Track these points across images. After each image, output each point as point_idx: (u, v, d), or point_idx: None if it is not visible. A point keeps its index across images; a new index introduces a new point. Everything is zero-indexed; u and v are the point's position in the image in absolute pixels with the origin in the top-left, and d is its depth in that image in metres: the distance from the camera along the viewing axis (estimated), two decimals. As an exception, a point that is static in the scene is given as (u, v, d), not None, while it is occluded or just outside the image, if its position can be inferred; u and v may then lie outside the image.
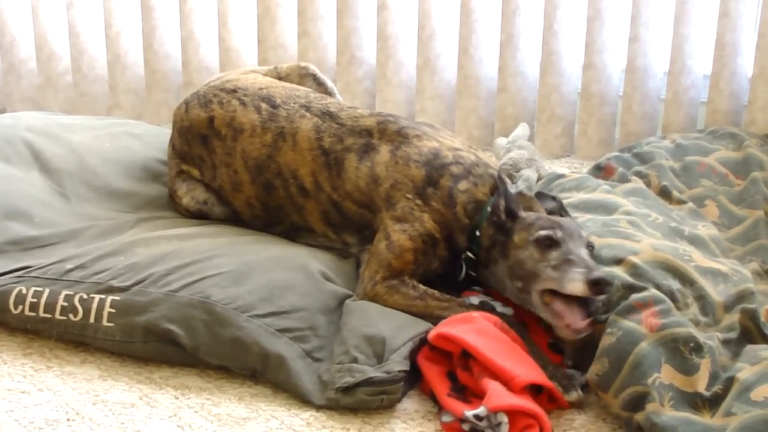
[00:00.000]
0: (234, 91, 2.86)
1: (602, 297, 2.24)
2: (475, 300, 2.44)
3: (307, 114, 2.72)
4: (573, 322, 2.22)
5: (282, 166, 2.70)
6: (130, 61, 4.15)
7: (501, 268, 2.41)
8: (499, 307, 2.43)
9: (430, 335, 2.25)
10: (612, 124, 3.73)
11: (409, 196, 2.53)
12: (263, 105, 2.78)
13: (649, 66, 3.60)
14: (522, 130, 3.57)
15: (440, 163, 2.56)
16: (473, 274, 2.51)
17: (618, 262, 2.36)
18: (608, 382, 2.11)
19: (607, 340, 2.15)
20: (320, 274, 2.47)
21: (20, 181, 2.89)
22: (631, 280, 2.28)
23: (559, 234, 2.35)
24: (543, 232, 2.35)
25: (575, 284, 2.23)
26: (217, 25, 4.00)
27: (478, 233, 2.48)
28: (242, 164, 2.76)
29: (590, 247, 2.38)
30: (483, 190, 2.53)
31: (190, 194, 2.89)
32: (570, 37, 3.67)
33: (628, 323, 2.16)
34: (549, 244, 2.34)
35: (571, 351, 2.33)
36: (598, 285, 2.20)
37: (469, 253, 2.50)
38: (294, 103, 2.76)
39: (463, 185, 2.53)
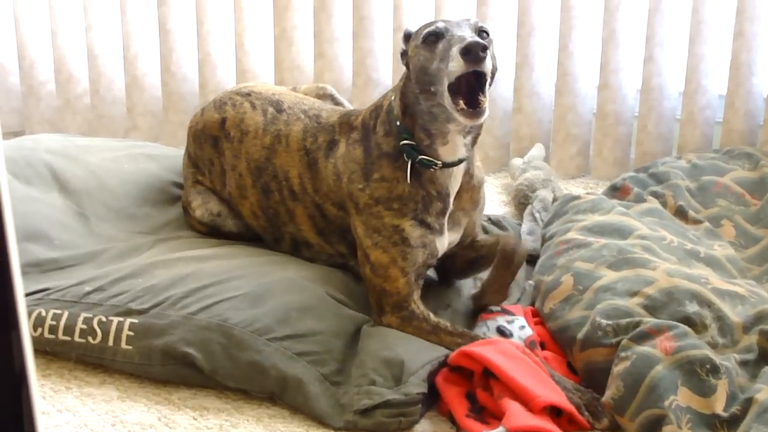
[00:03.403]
0: (248, 94, 2.88)
1: (484, 66, 2.19)
2: (492, 324, 2.44)
3: (302, 116, 2.72)
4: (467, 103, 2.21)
5: (277, 168, 2.70)
6: (147, 83, 4.17)
7: (419, 96, 2.34)
8: (517, 331, 2.42)
9: (453, 354, 2.25)
10: (627, 144, 3.74)
11: (360, 186, 2.47)
12: (270, 109, 2.79)
13: (664, 86, 3.61)
14: (537, 150, 3.58)
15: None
16: (425, 156, 2.39)
17: (633, 294, 2.37)
18: (624, 406, 2.11)
19: (621, 365, 2.16)
20: (337, 297, 2.48)
21: (40, 202, 2.91)
22: (644, 312, 2.29)
23: (441, 25, 2.30)
24: (426, 30, 2.31)
25: (454, 63, 2.19)
26: (234, 47, 4.03)
27: (398, 123, 2.42)
28: (245, 166, 2.77)
29: (483, 32, 2.34)
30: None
31: (205, 206, 2.90)
32: (585, 57, 3.68)
33: (642, 348, 2.16)
34: (434, 39, 2.28)
35: (583, 374, 2.34)
36: (468, 52, 2.17)
37: (405, 141, 2.41)
38: (298, 109, 2.76)
39: (379, 130, 2.48)
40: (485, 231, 2.93)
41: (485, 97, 2.23)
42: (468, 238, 2.63)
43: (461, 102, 2.22)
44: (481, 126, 2.41)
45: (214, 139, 2.88)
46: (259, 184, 2.74)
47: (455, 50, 2.19)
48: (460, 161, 2.43)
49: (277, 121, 2.75)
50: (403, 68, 2.45)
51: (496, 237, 2.68)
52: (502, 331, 2.41)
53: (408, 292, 2.43)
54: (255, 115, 2.80)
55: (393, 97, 2.46)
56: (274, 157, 2.71)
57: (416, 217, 2.42)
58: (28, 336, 0.98)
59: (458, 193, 2.49)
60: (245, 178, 2.78)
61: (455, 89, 2.23)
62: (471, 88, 2.23)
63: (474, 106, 2.21)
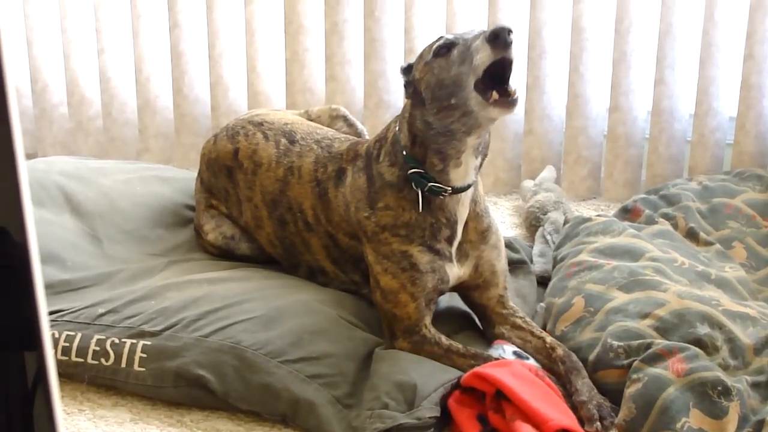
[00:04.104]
0: (261, 124, 2.88)
1: (511, 52, 2.14)
2: (508, 349, 2.43)
3: (315, 147, 2.71)
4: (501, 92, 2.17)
5: (291, 200, 2.70)
6: (159, 106, 4.19)
7: (433, 119, 2.29)
8: (532, 360, 2.42)
9: (465, 375, 2.25)
10: (638, 166, 3.74)
11: (366, 214, 2.46)
12: (283, 140, 2.79)
13: (675, 108, 3.61)
14: (549, 172, 3.59)
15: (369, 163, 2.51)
16: (434, 184, 2.36)
17: (644, 316, 2.37)
18: (636, 428, 2.10)
19: (633, 387, 2.16)
20: (349, 320, 2.48)
21: (52, 224, 2.92)
22: (655, 334, 2.29)
23: (450, 36, 2.28)
24: (436, 44, 2.28)
25: (480, 54, 2.14)
26: (246, 69, 4.05)
27: (405, 153, 2.39)
28: (261, 198, 2.78)
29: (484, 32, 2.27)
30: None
31: (218, 230, 2.91)
32: (596, 79, 3.69)
33: (653, 370, 2.16)
34: (447, 50, 2.25)
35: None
36: (496, 37, 2.12)
37: (413, 170, 2.38)
38: (311, 139, 2.75)
39: (383, 161, 2.46)
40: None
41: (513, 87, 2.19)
42: (489, 286, 2.54)
43: (494, 93, 2.17)
44: (488, 147, 2.41)
45: (228, 169, 2.89)
46: (275, 216, 2.75)
47: (479, 42, 2.16)
48: (468, 186, 2.41)
49: (290, 153, 2.74)
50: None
51: (540, 337, 2.47)
52: (518, 355, 2.41)
53: (418, 317, 2.42)
54: (268, 146, 2.80)
55: (397, 129, 2.44)
56: (287, 189, 2.71)
57: (424, 244, 2.40)
58: (51, 359, 0.99)
59: (464, 224, 2.47)
60: (261, 210, 2.78)
61: (480, 88, 2.19)
62: (495, 84, 2.18)
63: (506, 97, 2.17)
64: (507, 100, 2.17)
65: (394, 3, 3.84)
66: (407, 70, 2.40)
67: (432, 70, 2.28)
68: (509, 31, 2.13)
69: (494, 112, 2.19)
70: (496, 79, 2.19)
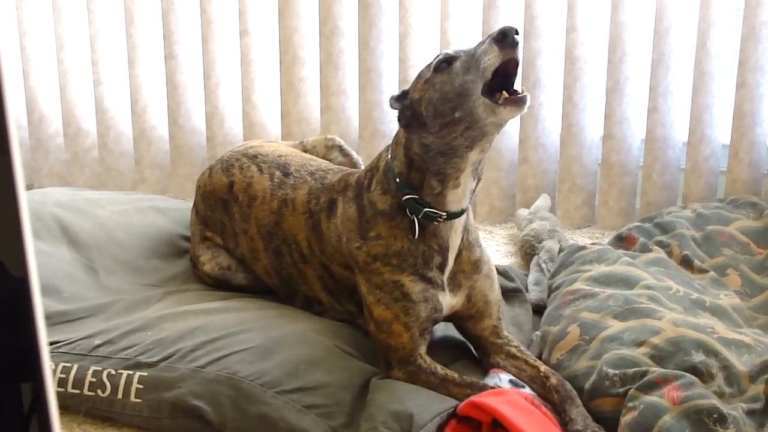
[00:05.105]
0: (255, 156, 2.89)
1: (518, 53, 2.14)
2: (504, 377, 2.43)
3: (308, 179, 2.71)
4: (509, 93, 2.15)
5: (286, 232, 2.70)
6: (155, 136, 4.21)
7: (433, 139, 2.27)
8: (529, 382, 2.43)
9: (462, 404, 2.25)
10: (633, 194, 3.75)
11: (357, 244, 2.45)
12: (277, 172, 2.79)
13: (669, 136, 3.63)
14: (543, 201, 3.60)
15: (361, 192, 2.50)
16: (429, 209, 2.35)
17: (639, 344, 2.37)
18: (632, 457, 2.11)
19: (629, 415, 2.16)
20: (345, 349, 2.48)
21: (49, 256, 2.93)
22: (651, 362, 2.30)
23: (449, 52, 2.26)
24: (436, 60, 2.27)
25: (489, 57, 2.13)
26: (242, 100, 4.06)
27: (398, 180, 2.38)
28: (256, 231, 2.78)
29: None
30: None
31: (215, 260, 2.92)
32: (590, 108, 3.71)
33: (649, 398, 2.16)
34: (447, 64, 2.24)
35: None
36: (504, 36, 2.11)
37: (408, 196, 2.36)
38: (305, 171, 2.75)
39: (375, 189, 2.45)
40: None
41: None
42: (483, 316, 2.53)
43: (504, 93, 2.15)
44: (482, 171, 2.40)
45: (223, 202, 2.90)
46: (271, 248, 2.75)
47: (486, 45, 2.14)
48: (462, 211, 2.40)
49: (284, 185, 2.75)
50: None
51: (535, 366, 2.47)
52: (514, 383, 2.41)
53: (413, 346, 2.41)
54: (262, 179, 2.81)
55: (389, 157, 2.43)
56: (282, 221, 2.71)
57: (416, 272, 2.39)
58: (52, 392, 0.99)
59: (457, 253, 2.46)
60: (257, 242, 2.79)
61: (487, 93, 2.17)
62: (501, 87, 2.17)
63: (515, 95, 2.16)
64: (517, 97, 2.15)
65: (388, 34, 3.86)
66: (401, 97, 2.38)
67: (433, 86, 2.26)
68: (516, 31, 2.13)
69: (504, 113, 2.16)
70: (500, 87, 2.18)
